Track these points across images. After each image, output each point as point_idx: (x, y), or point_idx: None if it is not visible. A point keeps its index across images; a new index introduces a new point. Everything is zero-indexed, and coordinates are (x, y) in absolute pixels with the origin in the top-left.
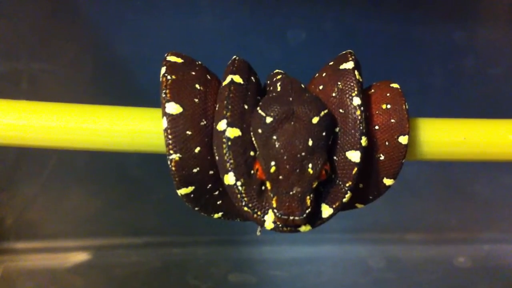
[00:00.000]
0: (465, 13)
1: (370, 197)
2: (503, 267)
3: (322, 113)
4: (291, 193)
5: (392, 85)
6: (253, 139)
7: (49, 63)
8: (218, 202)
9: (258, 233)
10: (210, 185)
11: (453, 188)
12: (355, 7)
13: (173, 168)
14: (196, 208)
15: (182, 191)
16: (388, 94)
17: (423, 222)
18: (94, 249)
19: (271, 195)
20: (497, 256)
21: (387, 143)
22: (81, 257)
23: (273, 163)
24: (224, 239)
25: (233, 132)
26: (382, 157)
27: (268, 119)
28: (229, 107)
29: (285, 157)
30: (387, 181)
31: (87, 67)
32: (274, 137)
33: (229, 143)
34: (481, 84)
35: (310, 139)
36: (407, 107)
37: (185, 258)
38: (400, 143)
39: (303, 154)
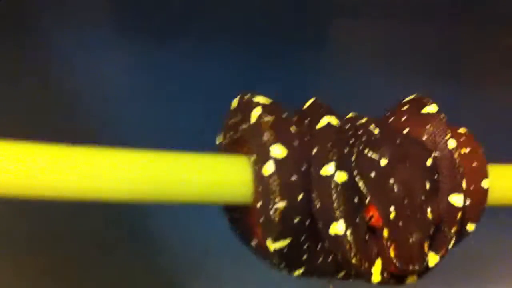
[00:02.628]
0: None
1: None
2: None
3: (434, 154)
4: (411, 240)
5: (460, 130)
6: (359, 184)
7: None
8: (304, 257)
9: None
10: (304, 237)
11: None
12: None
13: (277, 218)
14: (282, 265)
15: (278, 245)
16: (463, 139)
17: None
18: None
19: (388, 243)
20: None
21: (472, 187)
22: None
23: (392, 208)
24: None
25: (342, 177)
26: (467, 202)
27: (383, 162)
28: (335, 150)
29: (405, 202)
30: (470, 226)
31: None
32: (391, 181)
33: (339, 188)
34: None
35: (427, 182)
36: (483, 150)
37: None
38: (483, 187)
39: (423, 198)
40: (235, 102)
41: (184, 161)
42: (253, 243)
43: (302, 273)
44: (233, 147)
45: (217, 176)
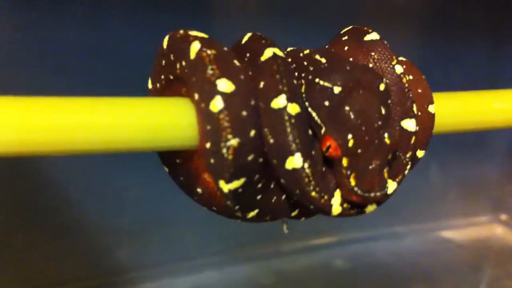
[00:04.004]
0: None
1: None
2: (374, 264)
3: (385, 79)
4: (371, 167)
5: (401, 58)
6: (313, 115)
7: None
8: (258, 197)
9: (286, 230)
10: (257, 176)
11: None
12: None
13: (231, 157)
14: (237, 207)
15: (232, 185)
16: (406, 65)
17: (295, 231)
18: None
19: (348, 172)
20: (368, 254)
21: (419, 113)
22: None
23: (350, 136)
24: (99, 283)
25: (295, 108)
26: (416, 128)
27: (336, 89)
28: (284, 81)
29: (363, 128)
30: (420, 153)
31: None
32: (347, 108)
33: (293, 120)
34: None
35: (382, 107)
36: (425, 77)
37: None
38: (430, 112)
39: (379, 123)
40: (165, 42)
41: (120, 107)
42: (199, 189)
43: (257, 215)
44: (167, 91)
45: (157, 120)
